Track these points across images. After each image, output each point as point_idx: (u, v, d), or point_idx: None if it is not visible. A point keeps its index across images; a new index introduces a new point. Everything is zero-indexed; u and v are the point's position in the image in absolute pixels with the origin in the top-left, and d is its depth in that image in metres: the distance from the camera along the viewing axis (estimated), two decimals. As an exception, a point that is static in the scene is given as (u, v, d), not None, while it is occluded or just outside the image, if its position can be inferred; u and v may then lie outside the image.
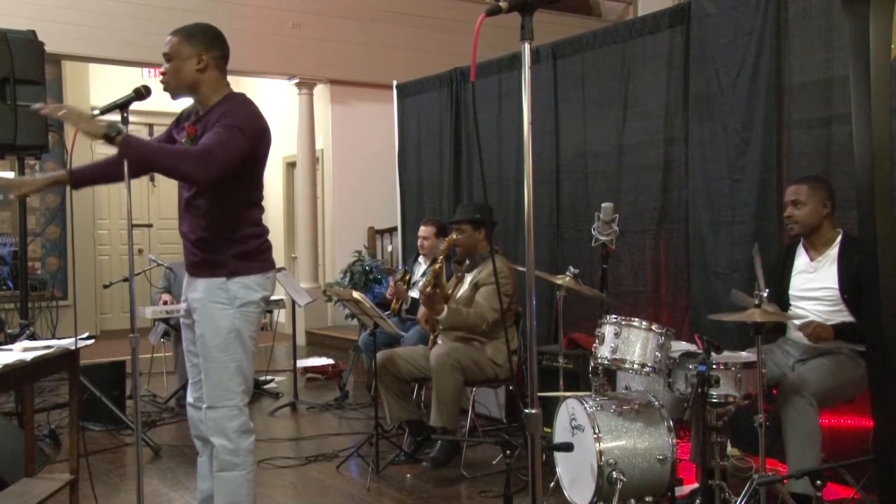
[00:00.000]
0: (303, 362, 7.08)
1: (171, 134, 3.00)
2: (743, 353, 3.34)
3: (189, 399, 3.01)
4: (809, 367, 3.34)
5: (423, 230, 5.35)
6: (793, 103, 3.96)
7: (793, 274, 3.51)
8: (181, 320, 3.05)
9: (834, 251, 3.40)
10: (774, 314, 3.10)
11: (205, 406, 2.82)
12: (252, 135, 2.72)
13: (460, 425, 4.27)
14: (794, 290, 3.50)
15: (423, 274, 5.25)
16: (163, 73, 2.83)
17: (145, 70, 8.88)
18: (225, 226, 2.80)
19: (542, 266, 4.88)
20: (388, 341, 4.99)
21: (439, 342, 4.36)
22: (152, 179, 10.34)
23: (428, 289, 4.12)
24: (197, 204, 2.82)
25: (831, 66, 3.77)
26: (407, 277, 5.31)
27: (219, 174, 2.63)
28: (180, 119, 2.97)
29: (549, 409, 3.53)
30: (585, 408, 3.26)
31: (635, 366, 3.33)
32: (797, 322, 3.37)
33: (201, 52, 2.80)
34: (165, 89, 2.85)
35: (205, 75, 2.80)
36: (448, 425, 4.07)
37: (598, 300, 4.22)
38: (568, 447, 3.06)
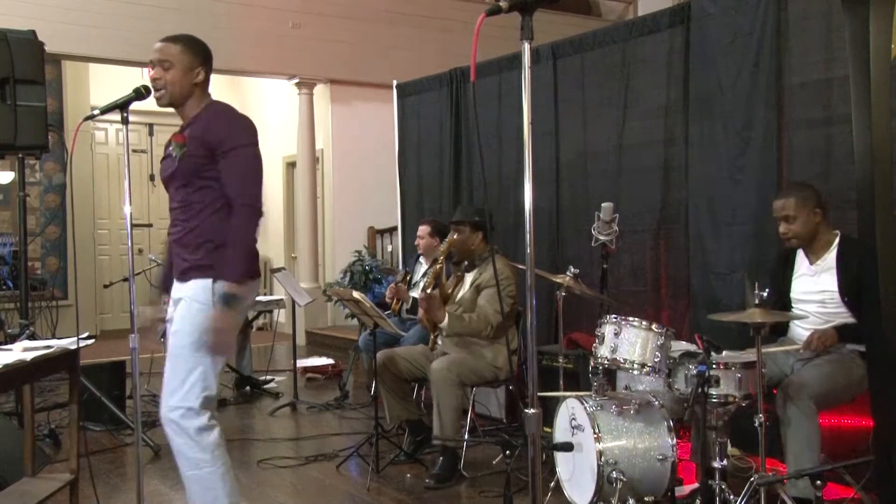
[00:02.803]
0: (303, 362, 7.08)
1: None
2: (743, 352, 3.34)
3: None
4: (809, 367, 3.34)
5: (420, 230, 5.39)
6: (793, 103, 3.96)
7: (794, 277, 3.51)
8: (166, 323, 3.00)
9: (832, 254, 3.39)
10: (775, 314, 3.10)
11: (163, 404, 2.78)
12: (254, 140, 2.83)
13: (460, 425, 4.26)
14: (795, 294, 3.50)
15: (424, 274, 5.26)
16: (156, 79, 2.83)
17: (145, 70, 8.82)
18: (214, 230, 2.79)
19: (542, 266, 4.87)
20: (388, 341, 4.99)
21: (439, 343, 4.35)
22: (152, 179, 10.34)
23: (428, 289, 4.11)
24: (186, 209, 2.83)
25: (831, 66, 3.77)
26: (408, 278, 5.32)
27: (260, 195, 2.82)
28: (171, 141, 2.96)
29: (549, 409, 3.53)
30: (585, 408, 3.26)
31: (635, 366, 3.33)
32: (799, 328, 3.37)
33: (200, 64, 2.84)
34: (158, 96, 2.85)
35: (198, 88, 2.86)
36: (449, 442, 4.05)
37: (598, 300, 4.22)
38: (568, 447, 3.06)
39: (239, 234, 2.77)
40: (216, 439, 2.79)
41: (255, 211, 2.79)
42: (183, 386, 2.75)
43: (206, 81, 2.90)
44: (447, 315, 4.09)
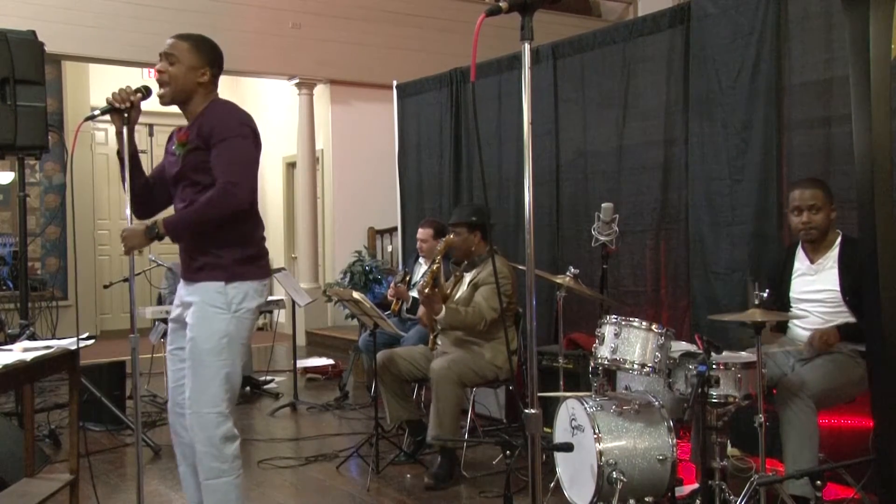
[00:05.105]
0: (303, 362, 7.08)
1: (165, 162, 2.98)
2: (743, 352, 3.33)
3: (170, 404, 2.97)
4: (809, 367, 3.33)
5: (421, 232, 5.35)
6: (793, 103, 3.96)
7: (793, 277, 3.50)
8: (169, 322, 3.01)
9: (834, 253, 3.39)
10: (775, 314, 3.10)
11: (189, 411, 2.78)
12: (254, 137, 2.82)
13: (460, 425, 4.26)
14: (794, 293, 3.49)
15: (423, 275, 5.25)
16: (161, 72, 2.83)
17: (145, 70, 8.88)
18: (222, 229, 2.77)
19: (542, 266, 4.88)
20: (388, 341, 4.99)
21: (439, 342, 4.35)
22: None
23: (426, 290, 4.12)
24: None
25: (831, 66, 3.77)
26: (407, 279, 5.31)
27: (249, 191, 2.75)
28: (172, 136, 2.94)
29: (549, 410, 3.53)
30: (585, 408, 3.26)
31: (635, 366, 3.33)
32: (799, 328, 3.37)
33: (206, 65, 2.85)
34: (161, 93, 2.85)
35: (202, 88, 2.86)
36: (444, 442, 4.03)
37: (598, 300, 4.22)
38: (568, 447, 3.05)
39: (205, 206, 2.69)
40: (235, 451, 2.81)
41: (236, 191, 2.67)
42: (208, 392, 2.75)
43: (213, 83, 2.89)
44: (444, 308, 4.10)
